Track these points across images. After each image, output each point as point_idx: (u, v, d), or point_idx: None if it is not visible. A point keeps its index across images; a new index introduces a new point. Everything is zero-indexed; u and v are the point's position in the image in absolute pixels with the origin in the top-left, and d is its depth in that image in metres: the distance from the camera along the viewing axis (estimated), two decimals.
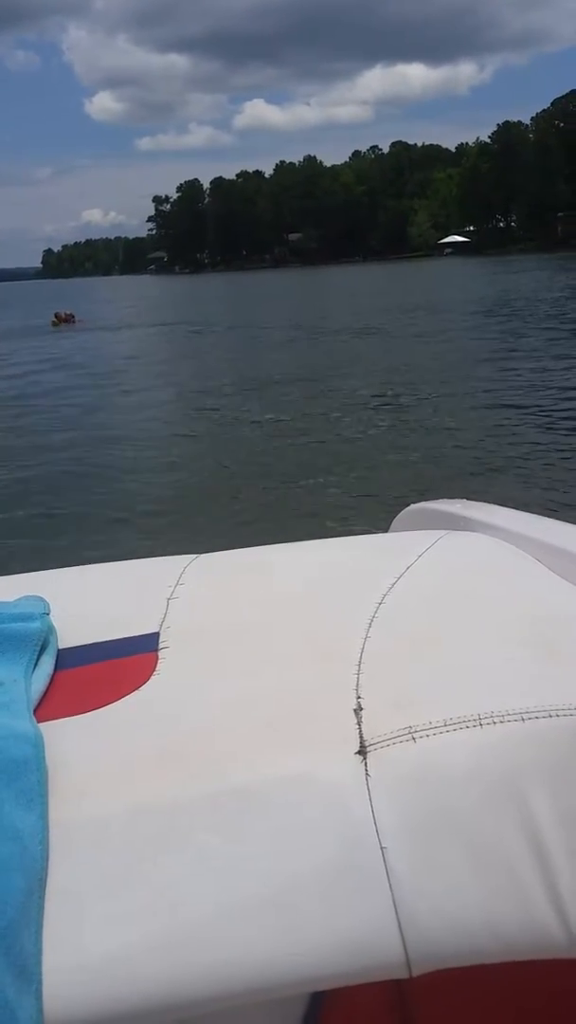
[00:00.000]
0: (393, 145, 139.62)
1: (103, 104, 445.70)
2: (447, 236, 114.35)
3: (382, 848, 0.50)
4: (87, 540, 6.10)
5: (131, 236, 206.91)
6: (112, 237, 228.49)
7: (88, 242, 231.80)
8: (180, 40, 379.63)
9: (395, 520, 1.15)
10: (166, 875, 0.50)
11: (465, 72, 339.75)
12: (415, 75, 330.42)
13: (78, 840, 0.51)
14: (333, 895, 0.49)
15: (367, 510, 6.33)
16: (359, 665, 0.62)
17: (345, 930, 0.49)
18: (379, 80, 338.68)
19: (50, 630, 0.69)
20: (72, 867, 0.50)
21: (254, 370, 15.28)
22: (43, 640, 0.68)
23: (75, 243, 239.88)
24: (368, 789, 0.52)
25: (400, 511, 1.14)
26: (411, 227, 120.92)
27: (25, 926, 0.47)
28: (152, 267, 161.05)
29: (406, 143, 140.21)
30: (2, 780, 0.53)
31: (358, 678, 0.60)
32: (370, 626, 0.67)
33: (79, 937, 0.48)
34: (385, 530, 1.12)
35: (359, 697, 0.58)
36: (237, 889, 0.49)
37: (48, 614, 0.71)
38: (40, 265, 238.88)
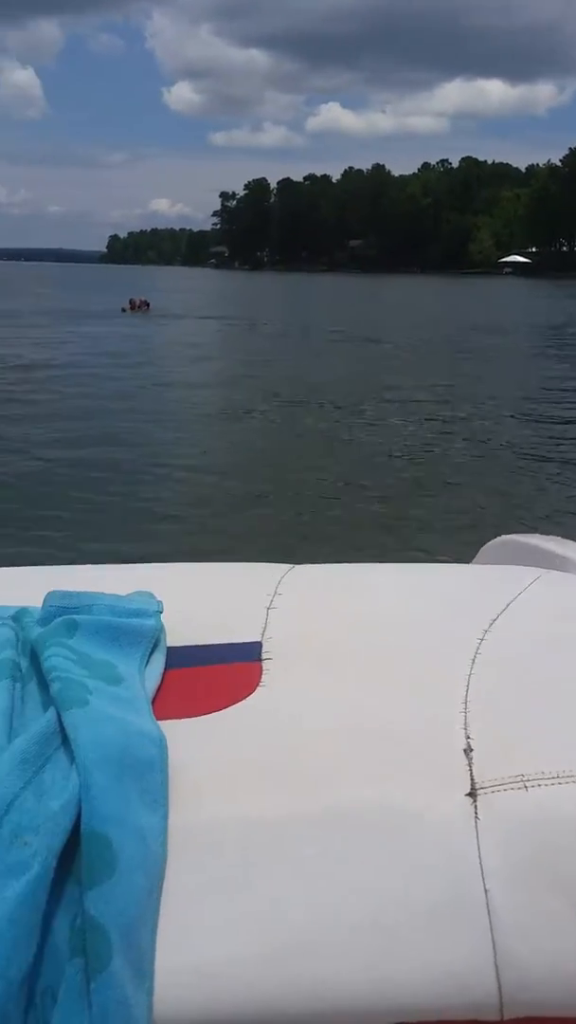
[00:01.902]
0: (463, 160, 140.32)
1: (181, 94, 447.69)
2: (508, 255, 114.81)
3: (486, 890, 0.50)
4: (142, 535, 6.03)
5: (195, 229, 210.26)
6: (177, 228, 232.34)
7: (153, 231, 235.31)
8: (262, 36, 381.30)
9: (482, 551, 1.14)
10: (275, 887, 0.51)
11: (544, 92, 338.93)
12: (494, 91, 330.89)
13: (194, 844, 0.53)
14: (433, 928, 0.50)
15: (436, 532, 6.18)
16: (465, 703, 0.62)
17: (441, 964, 0.49)
18: (457, 93, 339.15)
19: (161, 628, 0.71)
20: (187, 870, 0.52)
21: (320, 375, 15.60)
22: (156, 638, 0.70)
23: (140, 231, 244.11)
24: (476, 831, 0.52)
25: (486, 542, 1.13)
26: (472, 243, 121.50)
27: (144, 925, 0.49)
28: (213, 261, 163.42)
29: (476, 159, 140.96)
30: (130, 777, 0.54)
31: (465, 716, 0.61)
32: (473, 663, 0.67)
33: (190, 940, 0.49)
34: (467, 559, 1.11)
35: (468, 737, 0.59)
36: (341, 909, 0.50)
37: (161, 612, 0.72)
38: (105, 250, 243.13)
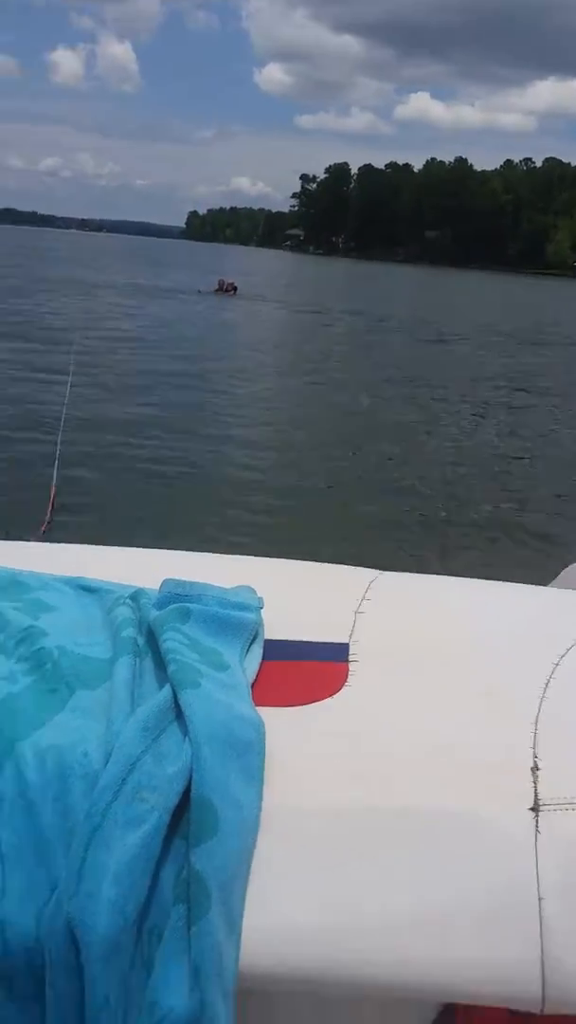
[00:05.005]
0: (547, 160, 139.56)
1: (272, 75, 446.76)
2: None
3: (540, 899, 0.54)
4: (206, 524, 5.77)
5: (274, 209, 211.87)
6: (256, 208, 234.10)
7: (232, 209, 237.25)
8: (357, 22, 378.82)
9: (561, 574, 1.21)
10: (351, 872, 0.57)
11: None
12: None
13: (285, 823, 0.59)
14: (487, 927, 0.55)
15: (514, 548, 6.13)
16: (535, 724, 0.65)
17: (491, 957, 0.54)
18: (549, 92, 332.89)
19: (261, 622, 0.77)
20: (275, 844, 0.58)
21: (407, 371, 14.92)
22: (256, 631, 0.76)
23: (220, 208, 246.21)
24: (536, 845, 0.56)
25: (564, 567, 1.19)
26: (549, 244, 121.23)
27: (237, 883, 0.56)
28: (288, 243, 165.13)
29: (560, 160, 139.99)
30: (231, 755, 0.60)
31: (535, 736, 0.64)
32: (547, 686, 0.70)
33: (274, 905, 0.56)
34: (541, 581, 1.12)
35: (536, 756, 0.62)
36: (407, 900, 0.56)
37: (261, 608, 0.79)
38: (184, 226, 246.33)
